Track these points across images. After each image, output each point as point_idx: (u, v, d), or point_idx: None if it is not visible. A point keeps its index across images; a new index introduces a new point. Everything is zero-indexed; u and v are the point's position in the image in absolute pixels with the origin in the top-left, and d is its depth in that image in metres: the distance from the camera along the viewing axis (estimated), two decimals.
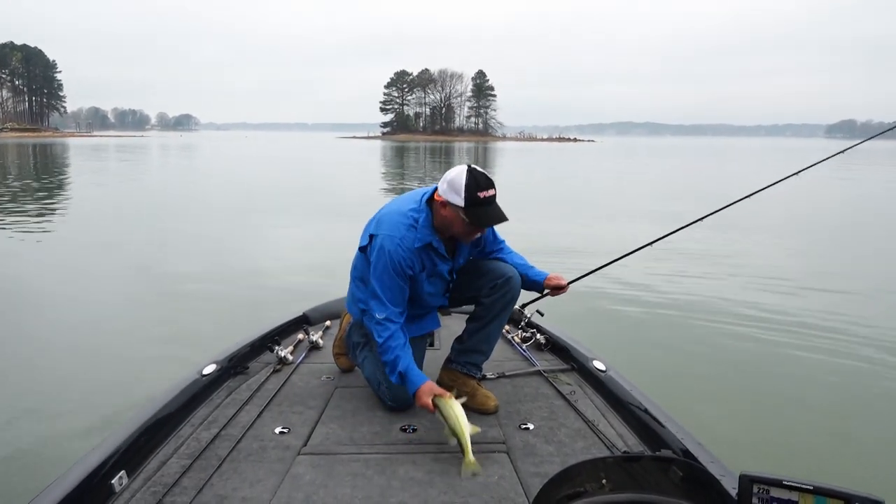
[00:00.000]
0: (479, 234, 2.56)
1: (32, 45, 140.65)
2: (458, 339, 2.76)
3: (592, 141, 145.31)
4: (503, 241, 2.84)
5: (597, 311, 6.21)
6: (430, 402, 2.30)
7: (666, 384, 4.32)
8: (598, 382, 2.85)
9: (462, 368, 2.72)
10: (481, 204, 2.35)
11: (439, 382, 2.77)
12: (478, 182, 2.35)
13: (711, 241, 10.07)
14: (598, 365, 2.93)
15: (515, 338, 3.46)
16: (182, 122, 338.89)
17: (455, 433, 2.20)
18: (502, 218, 2.40)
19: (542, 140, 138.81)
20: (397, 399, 2.61)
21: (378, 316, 2.48)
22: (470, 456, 2.12)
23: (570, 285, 2.84)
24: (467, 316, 2.79)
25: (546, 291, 2.87)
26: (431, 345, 3.51)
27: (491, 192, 2.37)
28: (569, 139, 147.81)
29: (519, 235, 10.54)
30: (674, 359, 4.99)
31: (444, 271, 2.61)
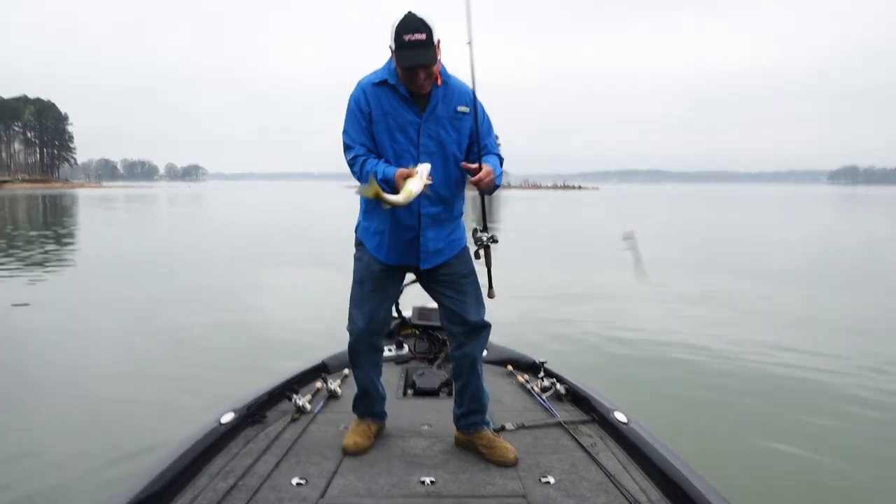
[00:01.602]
0: (420, 81, 2.48)
1: (45, 99, 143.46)
2: (455, 404, 2.82)
3: (597, 189, 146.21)
4: (495, 146, 2.76)
5: (617, 361, 6.15)
6: (401, 179, 2.40)
7: (690, 437, 4.21)
8: (619, 435, 2.81)
9: (469, 429, 2.75)
10: (405, 47, 2.39)
11: (457, 441, 2.80)
12: (405, 24, 2.39)
13: (732, 291, 10.05)
14: (620, 416, 2.88)
15: (535, 388, 3.44)
16: (190, 173, 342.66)
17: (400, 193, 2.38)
18: (416, 60, 2.39)
19: (547, 188, 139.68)
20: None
21: (349, 157, 2.61)
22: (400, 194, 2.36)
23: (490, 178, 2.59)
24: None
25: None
26: (436, 395, 3.49)
27: (418, 35, 2.38)
28: (573, 187, 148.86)
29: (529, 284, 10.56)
30: (698, 411, 4.90)
31: (407, 123, 2.56)
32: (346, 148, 2.63)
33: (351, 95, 2.63)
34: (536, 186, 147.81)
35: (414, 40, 2.38)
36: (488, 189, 2.58)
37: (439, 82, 2.58)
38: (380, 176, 2.47)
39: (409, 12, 2.41)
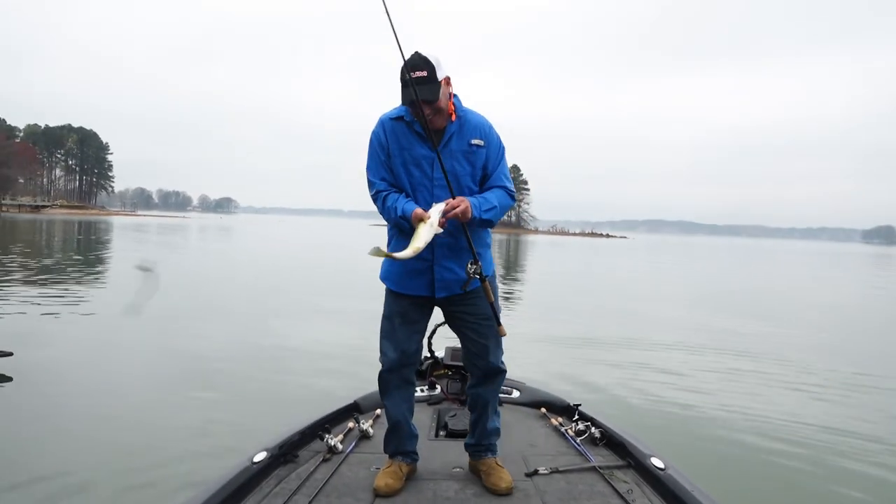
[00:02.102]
0: (428, 116, 2.58)
1: (88, 128, 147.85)
2: (469, 433, 2.99)
3: (625, 237, 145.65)
4: (502, 179, 2.77)
5: (654, 405, 6.07)
6: (416, 221, 2.55)
7: (729, 484, 4.13)
8: (656, 481, 2.76)
9: (474, 456, 2.93)
10: (407, 84, 2.54)
11: (469, 467, 2.94)
12: (409, 63, 2.54)
13: (772, 344, 9.86)
14: (657, 462, 2.84)
15: (569, 431, 3.39)
16: (222, 205, 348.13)
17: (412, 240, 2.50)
18: (416, 95, 2.51)
19: (575, 235, 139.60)
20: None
21: (372, 192, 2.77)
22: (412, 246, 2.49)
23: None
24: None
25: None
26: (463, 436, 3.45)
27: (420, 73, 2.52)
28: (601, 235, 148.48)
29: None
30: (736, 458, 4.78)
31: (422, 157, 2.68)
32: (370, 184, 2.78)
33: (372, 131, 2.78)
34: (564, 232, 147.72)
35: (415, 77, 2.52)
36: (465, 219, 2.58)
37: (453, 117, 2.69)
38: (399, 213, 2.64)
39: (415, 52, 2.57)
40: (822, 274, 35.01)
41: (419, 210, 2.57)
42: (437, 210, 2.53)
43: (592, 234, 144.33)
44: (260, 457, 2.82)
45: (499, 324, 2.72)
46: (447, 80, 2.63)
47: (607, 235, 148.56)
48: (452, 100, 2.69)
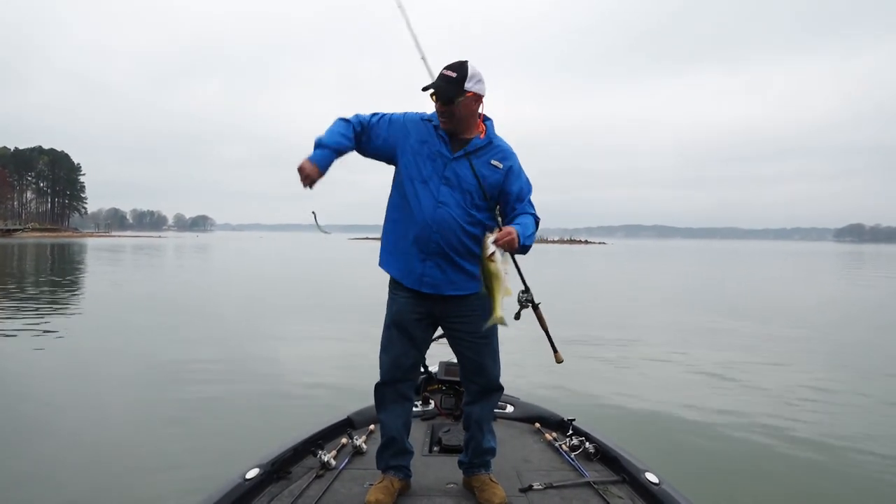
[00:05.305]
0: (443, 116, 2.68)
1: (59, 149, 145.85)
2: (463, 451, 2.98)
3: (603, 243, 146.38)
4: (525, 206, 2.80)
5: (648, 419, 6.04)
6: (309, 171, 2.55)
7: (724, 499, 4.12)
8: (651, 496, 2.77)
9: (467, 473, 2.92)
10: (437, 77, 2.67)
11: (463, 484, 2.92)
12: (450, 64, 2.66)
13: (767, 349, 9.86)
14: (651, 477, 2.85)
15: (563, 446, 3.39)
16: (198, 223, 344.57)
17: (489, 289, 2.54)
18: (433, 85, 2.63)
19: (553, 242, 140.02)
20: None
21: (353, 114, 2.77)
22: (498, 311, 2.53)
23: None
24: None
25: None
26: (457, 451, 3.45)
27: (450, 73, 2.63)
28: (580, 241, 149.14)
29: None
30: (730, 472, 4.77)
31: (439, 154, 2.72)
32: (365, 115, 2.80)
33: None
34: (543, 240, 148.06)
35: (444, 75, 2.64)
36: (511, 249, 2.61)
37: (483, 135, 2.76)
38: (325, 134, 2.64)
39: (466, 61, 2.67)
40: (800, 275, 35.34)
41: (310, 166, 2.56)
42: (490, 241, 2.55)
43: (571, 241, 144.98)
44: (252, 473, 2.80)
45: (555, 350, 2.84)
46: (476, 97, 2.68)
47: (586, 242, 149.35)
48: (483, 121, 2.78)
